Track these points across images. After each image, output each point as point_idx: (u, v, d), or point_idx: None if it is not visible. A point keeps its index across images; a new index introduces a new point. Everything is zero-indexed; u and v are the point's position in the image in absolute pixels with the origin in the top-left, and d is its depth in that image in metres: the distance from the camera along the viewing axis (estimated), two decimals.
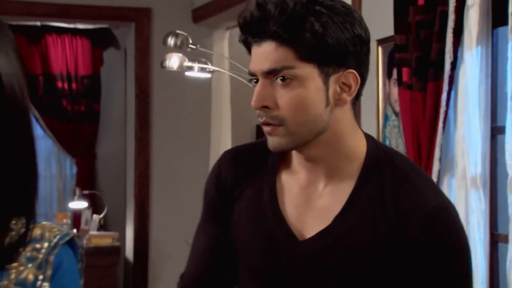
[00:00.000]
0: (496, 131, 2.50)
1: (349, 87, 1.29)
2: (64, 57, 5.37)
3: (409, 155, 2.48)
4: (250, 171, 1.45)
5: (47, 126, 5.31)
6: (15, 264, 0.93)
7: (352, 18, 1.29)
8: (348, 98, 1.30)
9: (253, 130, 4.96)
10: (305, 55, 1.25)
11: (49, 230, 0.97)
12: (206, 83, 4.38)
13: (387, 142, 3.17)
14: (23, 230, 0.95)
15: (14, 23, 4.54)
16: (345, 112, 1.34)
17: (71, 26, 5.29)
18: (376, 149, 1.38)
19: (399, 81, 2.69)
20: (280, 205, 1.39)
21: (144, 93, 4.89)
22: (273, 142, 1.31)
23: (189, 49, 3.29)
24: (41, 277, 0.93)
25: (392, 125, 3.17)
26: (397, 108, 3.07)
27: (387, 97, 3.17)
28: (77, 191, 5.16)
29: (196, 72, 3.46)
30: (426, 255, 1.30)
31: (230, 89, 4.54)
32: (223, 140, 4.62)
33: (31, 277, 0.93)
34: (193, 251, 1.53)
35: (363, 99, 3.07)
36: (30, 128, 0.96)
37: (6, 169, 0.93)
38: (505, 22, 2.48)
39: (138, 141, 4.96)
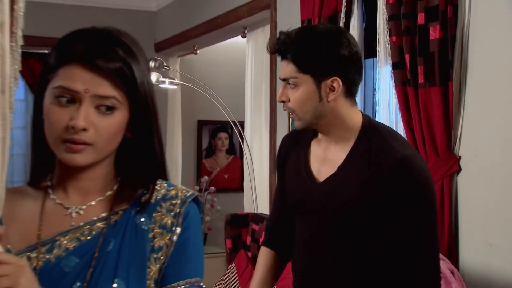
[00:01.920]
0: None
1: (334, 89, 1.50)
2: None
3: None
4: (295, 144, 1.70)
5: None
6: (159, 213, 1.04)
7: (338, 41, 1.49)
8: (333, 96, 1.51)
9: (195, 124, 5.75)
10: (303, 69, 1.48)
11: (180, 191, 1.07)
12: (164, 91, 5.09)
13: None
14: (164, 190, 1.07)
15: (31, 51, 4.82)
16: (339, 103, 1.53)
17: None
18: (368, 122, 1.57)
19: None
20: (309, 162, 1.62)
21: None
22: (296, 124, 1.58)
23: (163, 69, 4.34)
24: (175, 223, 1.03)
25: None
26: None
27: None
28: None
29: (167, 84, 4.50)
30: (396, 190, 1.47)
31: (181, 95, 5.45)
32: (175, 131, 5.44)
33: (169, 222, 1.03)
34: (272, 205, 1.85)
35: (281, 104, 3.60)
36: (157, 119, 1.04)
37: (147, 149, 1.03)
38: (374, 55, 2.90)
39: None
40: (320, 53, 1.46)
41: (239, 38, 4.63)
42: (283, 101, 1.53)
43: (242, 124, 4.55)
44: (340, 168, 1.54)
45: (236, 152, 5.93)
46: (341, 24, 2.96)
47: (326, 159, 1.58)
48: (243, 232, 3.47)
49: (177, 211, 1.03)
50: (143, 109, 1.00)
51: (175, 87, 4.91)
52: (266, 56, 4.23)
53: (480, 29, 2.30)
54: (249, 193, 4.33)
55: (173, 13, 5.25)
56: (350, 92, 1.54)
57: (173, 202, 1.04)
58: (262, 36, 4.34)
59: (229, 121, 4.42)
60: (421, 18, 2.38)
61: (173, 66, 5.30)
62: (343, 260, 1.55)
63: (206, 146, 5.87)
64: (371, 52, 3.03)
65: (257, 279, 1.75)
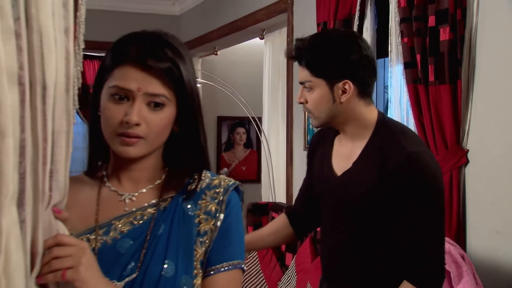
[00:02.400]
0: None
1: (346, 91, 1.54)
2: (94, 74, 5.78)
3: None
4: (322, 140, 1.76)
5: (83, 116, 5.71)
6: (204, 201, 1.07)
7: (348, 46, 1.51)
8: (345, 98, 1.54)
9: (215, 120, 5.90)
10: (316, 74, 1.52)
11: (223, 180, 1.11)
12: None
13: (310, 127, 3.62)
14: (208, 180, 1.11)
15: None
16: (353, 103, 1.56)
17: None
18: (382, 120, 1.59)
19: None
20: (331, 157, 1.68)
21: None
22: (313, 123, 1.64)
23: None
24: (219, 209, 1.07)
25: None
26: None
27: None
28: None
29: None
30: (402, 187, 1.49)
31: (202, 93, 5.65)
32: None
33: (213, 209, 1.07)
34: (299, 191, 1.89)
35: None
36: (201, 114, 1.08)
37: (193, 142, 1.07)
38: (386, 55, 2.99)
39: None
40: (331, 58, 1.50)
41: (257, 39, 4.75)
42: (301, 103, 1.58)
43: (259, 119, 4.69)
44: (355, 163, 1.58)
45: (253, 146, 6.07)
46: (355, 26, 3.04)
47: (344, 154, 1.63)
48: (263, 220, 3.56)
49: (221, 198, 1.07)
50: (190, 106, 1.04)
51: (197, 85, 5.03)
52: (283, 57, 4.33)
53: (487, 30, 2.38)
54: (267, 184, 4.45)
55: (195, 16, 5.37)
56: (363, 93, 1.56)
57: (217, 190, 1.08)
58: (279, 38, 4.46)
59: (247, 117, 4.54)
60: (431, 21, 2.45)
61: (195, 66, 5.38)
62: (355, 246, 1.59)
63: (225, 140, 6.05)
64: (382, 52, 3.11)
65: (263, 230, 1.84)
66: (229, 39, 4.86)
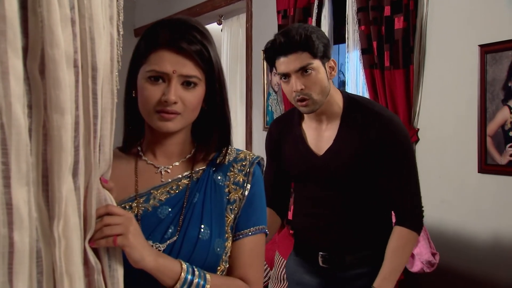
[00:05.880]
0: None
1: (333, 68, 1.63)
2: None
3: None
4: (286, 127, 1.79)
5: None
6: (232, 172, 1.13)
7: (323, 32, 1.61)
8: (334, 74, 1.63)
9: None
10: (315, 54, 1.56)
11: (248, 154, 1.16)
12: None
13: (269, 109, 3.74)
14: (234, 154, 1.16)
15: None
16: (331, 82, 1.64)
17: None
18: (348, 96, 1.68)
19: None
20: (305, 141, 1.71)
21: None
22: (307, 109, 1.62)
23: None
24: (246, 180, 1.12)
25: (273, 98, 3.74)
26: (276, 88, 3.62)
27: (270, 82, 3.74)
28: None
29: None
30: (384, 149, 1.58)
31: None
32: None
33: (241, 180, 1.12)
34: (265, 181, 1.82)
35: (256, 83, 3.74)
36: (226, 93, 1.11)
37: (220, 118, 1.11)
38: (341, 41, 3.19)
39: None
40: (322, 40, 1.57)
41: (214, 25, 4.78)
42: (301, 89, 1.57)
43: None
44: (335, 140, 1.64)
45: None
46: (314, 14, 3.17)
47: (320, 135, 1.68)
48: None
49: (247, 170, 1.12)
50: (217, 84, 1.07)
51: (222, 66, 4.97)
52: (241, 42, 4.41)
53: (436, 19, 2.53)
54: None
55: (152, 1, 5.32)
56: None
57: (243, 163, 1.14)
58: (236, 24, 4.51)
59: None
60: (387, 10, 2.59)
61: None
62: (344, 211, 1.66)
63: None
64: (339, 38, 3.25)
65: None
66: None
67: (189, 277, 0.97)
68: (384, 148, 1.59)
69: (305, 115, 1.71)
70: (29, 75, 0.70)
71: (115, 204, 0.92)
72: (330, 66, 1.62)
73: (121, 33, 0.84)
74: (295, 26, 1.59)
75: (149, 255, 0.93)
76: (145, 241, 0.95)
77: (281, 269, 2.59)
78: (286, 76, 1.59)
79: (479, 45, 2.34)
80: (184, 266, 0.98)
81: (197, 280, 0.98)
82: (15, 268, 0.67)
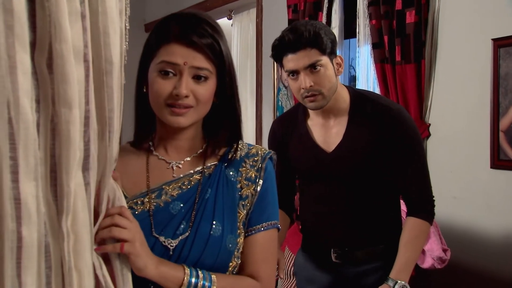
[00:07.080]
0: None
1: (340, 64, 1.62)
2: None
3: None
4: (290, 124, 1.77)
5: None
6: (244, 168, 1.12)
7: (330, 28, 1.61)
8: (341, 70, 1.62)
9: None
10: (324, 51, 1.56)
11: (260, 149, 1.15)
12: None
13: (279, 104, 3.70)
14: (246, 149, 1.15)
15: None
16: (337, 79, 1.63)
17: None
18: (355, 92, 1.67)
19: None
20: (312, 138, 1.70)
21: None
22: (316, 105, 1.61)
23: None
24: (258, 176, 1.11)
25: (283, 93, 3.70)
26: (286, 83, 3.59)
27: (280, 77, 3.71)
28: None
29: None
30: (394, 141, 1.58)
31: None
32: None
33: (253, 175, 1.11)
34: None
35: (266, 78, 3.73)
36: (237, 87, 1.09)
37: (231, 111, 1.10)
38: (352, 36, 3.16)
39: None
40: (330, 37, 1.57)
41: (225, 19, 4.76)
42: (310, 86, 1.56)
43: None
44: (345, 136, 1.63)
45: None
46: (325, 8, 3.15)
47: (328, 132, 1.67)
48: None
49: (260, 166, 1.11)
50: (228, 78, 1.06)
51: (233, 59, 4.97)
52: (251, 37, 4.39)
53: (448, 13, 2.50)
54: None
55: None
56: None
57: (255, 158, 1.12)
58: (247, 18, 4.49)
59: None
60: (398, 4, 2.57)
61: None
62: (352, 207, 1.65)
63: None
64: (350, 33, 3.22)
65: None
66: None
67: (193, 280, 0.97)
68: (395, 139, 1.58)
69: (310, 112, 1.70)
70: (36, 69, 0.69)
71: (124, 201, 0.92)
72: (337, 63, 1.61)
73: (128, 27, 0.82)
74: (302, 22, 1.58)
75: (151, 264, 0.94)
76: (149, 249, 0.95)
77: (290, 265, 2.57)
78: (294, 73, 1.58)
79: (492, 39, 2.31)
80: (187, 270, 0.98)
81: (202, 282, 0.97)
82: (24, 262, 0.67)
